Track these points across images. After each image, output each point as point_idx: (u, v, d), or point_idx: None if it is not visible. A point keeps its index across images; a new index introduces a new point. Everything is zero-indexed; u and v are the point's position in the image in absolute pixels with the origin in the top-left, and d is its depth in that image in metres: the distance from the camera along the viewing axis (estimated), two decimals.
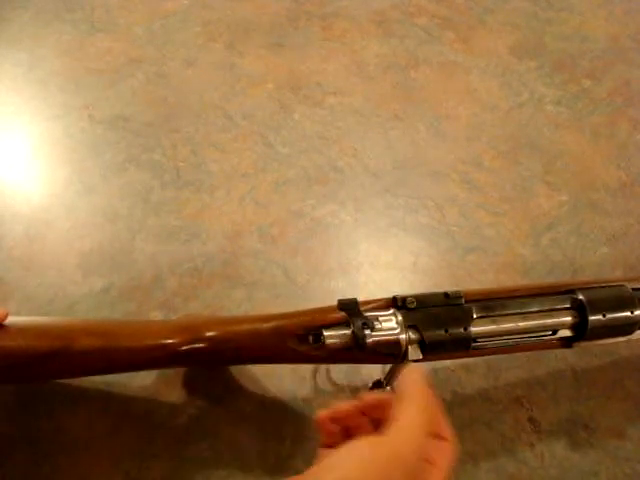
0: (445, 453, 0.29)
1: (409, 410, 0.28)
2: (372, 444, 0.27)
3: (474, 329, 0.36)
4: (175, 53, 0.71)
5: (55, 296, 0.48)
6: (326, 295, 0.50)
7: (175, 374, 0.44)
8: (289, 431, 0.42)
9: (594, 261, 0.53)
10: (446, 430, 0.30)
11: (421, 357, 0.35)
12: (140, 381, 0.43)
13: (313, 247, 0.53)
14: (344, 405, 0.31)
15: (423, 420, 0.28)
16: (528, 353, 0.46)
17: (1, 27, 0.74)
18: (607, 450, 0.42)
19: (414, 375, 0.30)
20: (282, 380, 0.44)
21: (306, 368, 0.45)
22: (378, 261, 0.52)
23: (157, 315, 0.48)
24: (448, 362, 0.46)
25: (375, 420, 0.30)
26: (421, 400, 0.28)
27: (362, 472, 0.25)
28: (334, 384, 0.44)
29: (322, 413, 0.30)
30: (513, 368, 0.46)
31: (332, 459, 0.26)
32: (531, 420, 0.43)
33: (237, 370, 0.44)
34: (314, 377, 0.45)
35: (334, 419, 0.30)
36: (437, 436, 0.29)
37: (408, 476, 0.26)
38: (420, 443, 0.27)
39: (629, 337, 0.39)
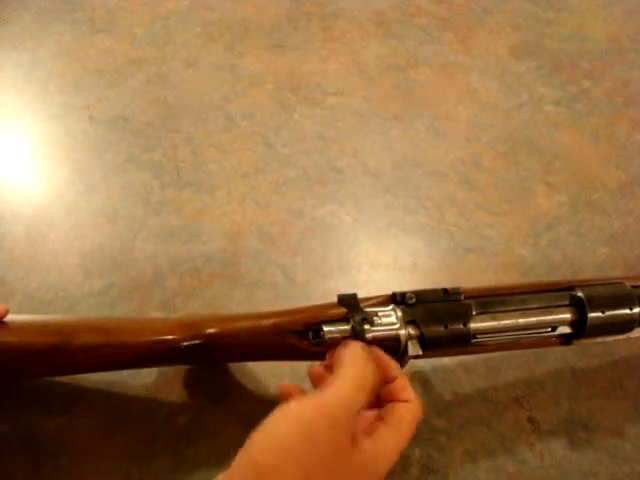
0: (402, 412, 0.30)
1: (343, 371, 0.30)
2: (300, 404, 0.28)
3: (473, 325, 0.36)
4: (175, 54, 0.71)
5: (56, 296, 0.48)
6: (326, 295, 0.49)
7: (175, 373, 0.44)
8: None
9: (594, 261, 0.53)
10: (406, 391, 0.31)
11: (421, 353, 0.35)
12: (140, 380, 0.43)
13: (313, 247, 0.53)
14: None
15: (357, 378, 0.29)
16: (527, 353, 0.46)
17: (2, 28, 0.74)
18: (606, 450, 0.42)
19: (352, 346, 0.32)
20: (282, 380, 0.44)
21: (306, 368, 0.45)
22: (378, 261, 0.52)
23: (157, 315, 0.48)
24: (448, 362, 0.46)
25: None
26: (356, 362, 0.30)
27: (288, 431, 0.26)
28: None
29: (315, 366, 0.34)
30: (512, 368, 0.46)
31: (265, 423, 0.27)
32: (530, 420, 0.43)
33: (237, 370, 0.44)
34: None
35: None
36: (393, 397, 0.31)
37: (336, 430, 0.27)
38: (350, 398, 0.28)
39: (628, 335, 0.39)
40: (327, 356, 0.34)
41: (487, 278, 0.52)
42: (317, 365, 0.35)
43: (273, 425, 0.27)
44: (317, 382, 0.34)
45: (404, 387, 0.31)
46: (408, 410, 0.30)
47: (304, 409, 0.27)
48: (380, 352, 0.33)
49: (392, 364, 0.33)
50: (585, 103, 0.68)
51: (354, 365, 0.30)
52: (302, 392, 0.34)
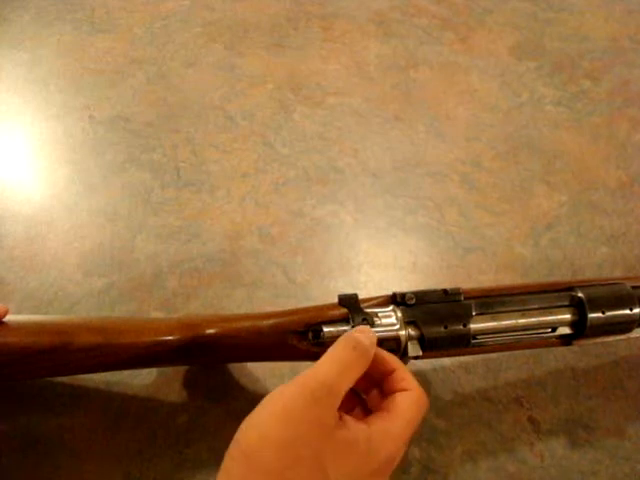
0: (401, 400, 0.30)
1: (328, 351, 0.30)
2: (283, 385, 0.28)
3: (473, 326, 0.36)
4: (175, 53, 0.71)
5: (55, 296, 0.48)
6: (326, 295, 0.50)
7: (175, 374, 0.44)
8: None
9: (594, 261, 0.53)
10: (405, 381, 0.31)
11: (421, 353, 0.35)
12: (140, 381, 0.43)
13: (313, 247, 0.53)
14: None
15: (340, 358, 0.29)
16: (527, 353, 0.46)
17: (2, 28, 0.74)
18: (606, 449, 0.42)
19: (347, 333, 0.32)
20: (282, 380, 0.44)
21: (306, 368, 0.45)
22: (378, 261, 0.52)
23: (158, 315, 0.48)
24: (448, 362, 0.46)
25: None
26: (341, 344, 0.30)
27: (270, 410, 0.26)
28: None
29: None
30: (512, 368, 0.46)
31: (252, 412, 0.27)
32: (531, 420, 0.43)
33: (237, 370, 0.44)
34: None
35: None
36: (393, 388, 0.31)
37: (317, 406, 0.26)
38: (331, 376, 0.28)
39: (628, 335, 0.39)
40: None
41: (487, 278, 0.51)
42: None
43: (258, 409, 0.27)
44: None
45: (403, 378, 0.31)
46: (407, 397, 0.30)
47: (286, 388, 0.27)
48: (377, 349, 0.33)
49: (389, 358, 0.32)
50: (585, 103, 0.68)
51: (338, 346, 0.30)
52: None
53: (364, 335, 0.31)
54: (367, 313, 0.35)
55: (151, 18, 0.76)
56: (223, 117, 0.64)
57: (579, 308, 0.38)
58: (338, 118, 0.65)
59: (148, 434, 0.41)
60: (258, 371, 0.44)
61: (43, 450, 0.40)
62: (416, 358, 0.35)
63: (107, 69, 0.69)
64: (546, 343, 0.39)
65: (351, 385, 0.29)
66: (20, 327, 0.36)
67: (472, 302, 0.37)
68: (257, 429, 0.26)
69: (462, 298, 0.37)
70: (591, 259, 0.54)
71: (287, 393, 0.27)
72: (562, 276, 0.52)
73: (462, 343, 0.36)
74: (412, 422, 0.29)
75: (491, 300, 0.37)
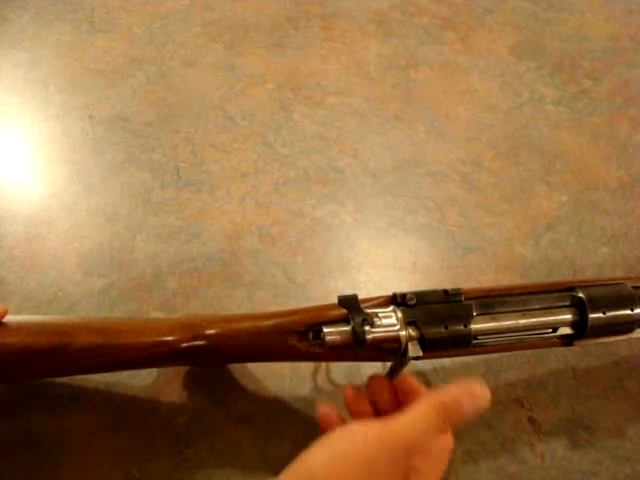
0: (444, 445, 0.30)
1: (420, 408, 0.29)
2: (366, 427, 0.28)
3: (474, 326, 0.36)
4: (175, 53, 0.71)
5: (55, 296, 0.48)
6: (326, 295, 0.49)
7: (175, 374, 0.44)
8: (289, 431, 0.42)
9: (594, 261, 0.53)
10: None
11: (421, 354, 0.35)
12: (140, 381, 0.43)
13: (313, 247, 0.53)
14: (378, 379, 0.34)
15: (428, 423, 0.28)
16: (528, 353, 0.46)
17: (1, 27, 0.74)
18: (607, 450, 0.42)
19: (440, 397, 0.30)
20: (282, 380, 0.44)
21: (306, 368, 0.45)
22: (378, 261, 0.52)
23: (157, 315, 0.48)
24: (448, 362, 0.46)
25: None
26: (437, 401, 0.29)
27: (350, 450, 0.27)
28: (334, 384, 0.44)
29: (349, 387, 0.34)
30: (513, 368, 0.46)
31: (325, 439, 0.28)
32: (531, 420, 0.43)
33: (237, 370, 0.44)
34: (314, 377, 0.45)
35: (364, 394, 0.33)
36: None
37: (392, 462, 0.27)
38: (414, 438, 0.28)
39: (629, 335, 0.39)
40: (395, 379, 0.34)
41: (487, 278, 0.51)
42: (351, 387, 0.35)
43: (337, 443, 0.28)
44: (351, 403, 0.34)
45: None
46: (444, 442, 0.30)
47: (369, 433, 0.28)
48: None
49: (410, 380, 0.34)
50: (586, 103, 0.68)
51: (432, 411, 0.29)
52: (340, 415, 0.33)
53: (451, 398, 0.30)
54: (367, 314, 0.35)
55: (151, 18, 0.76)
56: (223, 117, 0.64)
57: (580, 308, 0.38)
58: (338, 118, 0.65)
59: (148, 434, 0.41)
60: (258, 371, 0.44)
61: (43, 450, 0.40)
62: (416, 359, 0.35)
63: (107, 69, 0.69)
64: (547, 343, 0.39)
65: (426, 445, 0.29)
66: (20, 327, 0.36)
67: (473, 302, 0.36)
68: (334, 464, 0.27)
69: (463, 298, 0.37)
70: (592, 259, 0.53)
71: (369, 441, 0.27)
72: (562, 276, 0.52)
73: (463, 343, 0.36)
74: (447, 463, 0.30)
75: (492, 300, 0.37)
